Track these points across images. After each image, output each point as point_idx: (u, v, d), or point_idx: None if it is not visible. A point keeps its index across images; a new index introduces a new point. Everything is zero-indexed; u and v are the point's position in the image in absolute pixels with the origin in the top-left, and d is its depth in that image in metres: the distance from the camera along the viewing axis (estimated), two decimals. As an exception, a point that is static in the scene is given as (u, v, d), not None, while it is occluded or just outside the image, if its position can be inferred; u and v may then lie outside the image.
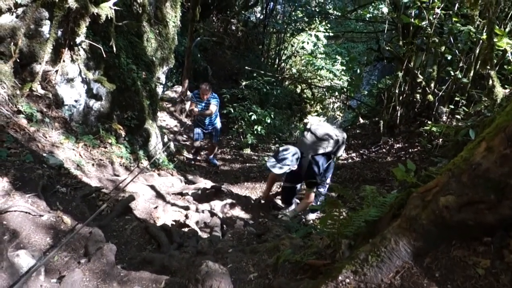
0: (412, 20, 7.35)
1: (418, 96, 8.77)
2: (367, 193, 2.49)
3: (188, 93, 12.60)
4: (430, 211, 1.51)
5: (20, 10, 4.29)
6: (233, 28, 18.05)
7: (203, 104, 7.66)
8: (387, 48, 9.27)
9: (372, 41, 14.90)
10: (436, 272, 1.51)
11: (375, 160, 7.92)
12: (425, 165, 5.62)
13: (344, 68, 15.62)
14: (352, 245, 1.96)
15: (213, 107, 7.62)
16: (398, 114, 8.51)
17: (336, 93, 14.02)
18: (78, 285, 2.08)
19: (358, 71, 14.13)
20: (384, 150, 8.35)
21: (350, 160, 8.59)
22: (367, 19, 13.89)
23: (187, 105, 12.30)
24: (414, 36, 8.35)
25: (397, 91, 8.46)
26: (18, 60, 4.16)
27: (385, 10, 9.52)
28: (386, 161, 7.64)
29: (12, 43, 4.11)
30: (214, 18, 17.54)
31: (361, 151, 8.82)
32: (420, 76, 8.32)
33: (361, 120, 11.21)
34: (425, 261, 1.54)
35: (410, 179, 1.92)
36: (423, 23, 7.33)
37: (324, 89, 15.92)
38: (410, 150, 7.65)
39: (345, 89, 13.90)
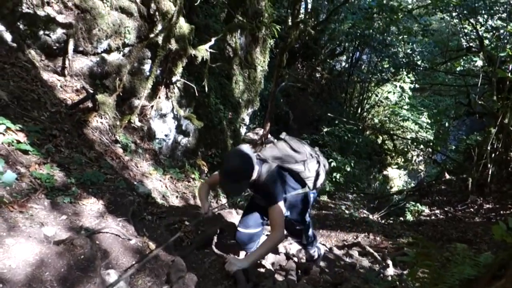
0: (509, 74, 6.99)
1: (512, 154, 8.21)
2: (458, 251, 2.33)
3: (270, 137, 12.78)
4: (539, 274, 1.38)
5: (126, 50, 4.70)
6: (318, 75, 18.28)
7: None
8: (479, 102, 8.85)
9: (461, 95, 14.33)
10: None
11: (461, 219, 7.42)
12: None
13: (429, 121, 15.11)
14: (444, 304, 1.82)
15: None
16: (490, 173, 7.97)
17: (422, 146, 13.49)
18: (159, 311, 2.14)
19: (447, 124, 13.55)
20: (472, 209, 7.80)
21: (433, 217, 8.13)
22: (457, 72, 13.43)
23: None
24: (510, 91, 7.91)
25: (489, 148, 7.97)
26: (120, 94, 4.51)
27: (479, 63, 9.17)
28: (474, 222, 7.12)
29: (118, 79, 4.48)
30: (299, 65, 17.92)
31: (446, 209, 8.32)
32: (516, 133, 7.82)
33: (447, 176, 10.64)
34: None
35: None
36: (521, 78, 6.95)
37: (408, 141, 15.40)
38: (501, 212, 7.09)
39: (431, 143, 13.35)
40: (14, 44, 3.62)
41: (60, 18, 3.87)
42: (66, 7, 3.92)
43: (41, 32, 3.84)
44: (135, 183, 3.96)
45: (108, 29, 4.30)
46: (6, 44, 3.55)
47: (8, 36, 3.56)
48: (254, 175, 3.13)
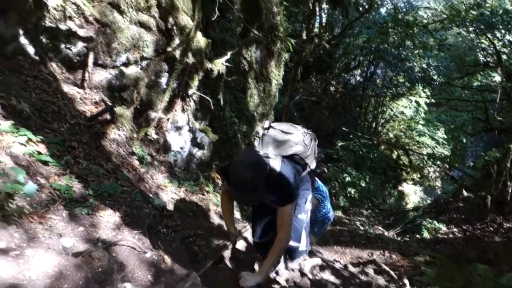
0: (528, 90, 6.91)
1: (532, 171, 8.08)
2: (479, 271, 2.29)
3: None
4: None
5: (144, 63, 4.75)
6: (332, 89, 18.28)
7: None
8: (498, 118, 8.76)
9: (479, 111, 14.18)
10: None
11: (481, 238, 7.30)
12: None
13: (446, 136, 14.96)
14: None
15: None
16: (509, 191, 7.84)
17: (438, 162, 13.34)
18: (175, 326, 2.13)
19: (464, 140, 13.39)
20: (491, 228, 7.67)
21: (451, 235, 8.01)
22: (475, 87, 13.32)
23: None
24: (529, 107, 7.84)
25: (508, 165, 7.86)
26: (137, 107, 4.56)
27: (497, 78, 9.08)
28: (494, 241, 6.99)
29: (135, 91, 4.53)
30: (313, 78, 17.96)
31: (464, 227, 8.20)
32: (535, 150, 7.71)
33: (465, 193, 10.49)
34: None
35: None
36: (541, 94, 6.86)
37: (425, 157, 15.24)
38: (522, 231, 6.97)
39: (448, 159, 13.20)
40: (37, 57, 3.69)
41: (81, 32, 3.94)
42: (87, 22, 3.99)
43: (63, 46, 3.91)
44: (151, 195, 3.98)
45: (127, 43, 4.36)
46: (29, 57, 3.62)
47: (31, 50, 3.64)
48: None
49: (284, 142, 3.26)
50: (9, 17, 3.37)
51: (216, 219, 5.31)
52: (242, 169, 2.82)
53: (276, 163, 3.03)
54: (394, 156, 19.16)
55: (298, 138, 3.32)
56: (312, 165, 3.50)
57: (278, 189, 2.97)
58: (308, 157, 3.40)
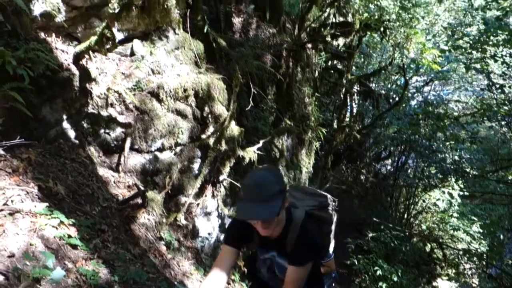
0: None
1: None
2: None
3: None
4: None
5: (178, 149, 4.89)
6: (362, 178, 18.14)
7: None
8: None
9: (516, 205, 13.70)
10: None
11: None
12: None
13: (481, 231, 14.33)
14: None
15: None
16: (554, 293, 7.30)
17: (475, 258, 12.68)
18: None
19: (502, 236, 12.80)
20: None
21: None
22: (510, 181, 12.97)
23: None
24: None
25: (551, 265, 7.39)
26: (169, 192, 4.62)
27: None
28: None
29: (168, 176, 4.62)
30: (344, 167, 17.94)
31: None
32: None
33: (505, 293, 9.81)
34: None
35: None
36: None
37: (460, 252, 14.55)
38: None
39: (485, 255, 12.54)
40: (77, 141, 3.86)
41: (121, 118, 4.14)
42: (127, 109, 4.21)
43: (102, 131, 4.10)
44: (176, 283, 3.88)
45: (163, 129, 4.53)
46: (70, 141, 3.79)
47: (72, 134, 3.82)
48: (284, 207, 2.11)
49: (310, 201, 2.61)
50: (55, 103, 3.58)
51: (240, 312, 5.11)
52: (256, 172, 2.26)
53: (301, 212, 2.33)
54: (428, 249, 18.33)
55: (326, 203, 2.65)
56: (331, 246, 2.82)
57: (298, 242, 2.20)
58: (330, 231, 2.73)
